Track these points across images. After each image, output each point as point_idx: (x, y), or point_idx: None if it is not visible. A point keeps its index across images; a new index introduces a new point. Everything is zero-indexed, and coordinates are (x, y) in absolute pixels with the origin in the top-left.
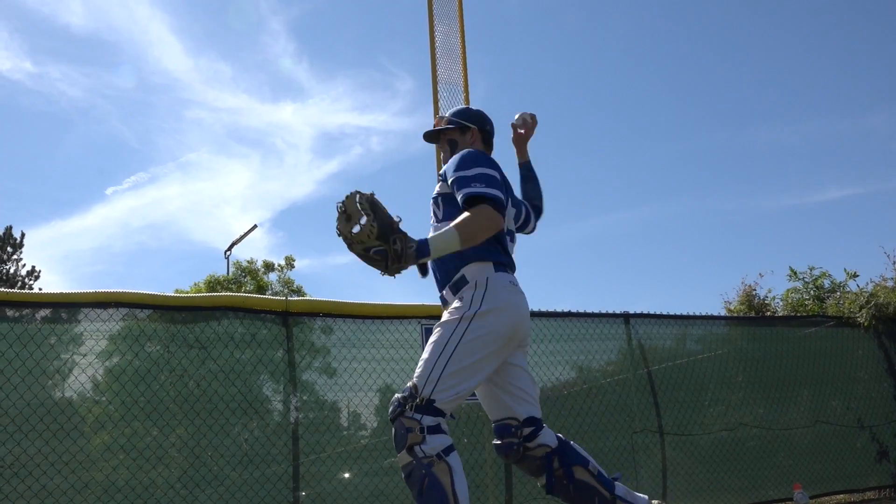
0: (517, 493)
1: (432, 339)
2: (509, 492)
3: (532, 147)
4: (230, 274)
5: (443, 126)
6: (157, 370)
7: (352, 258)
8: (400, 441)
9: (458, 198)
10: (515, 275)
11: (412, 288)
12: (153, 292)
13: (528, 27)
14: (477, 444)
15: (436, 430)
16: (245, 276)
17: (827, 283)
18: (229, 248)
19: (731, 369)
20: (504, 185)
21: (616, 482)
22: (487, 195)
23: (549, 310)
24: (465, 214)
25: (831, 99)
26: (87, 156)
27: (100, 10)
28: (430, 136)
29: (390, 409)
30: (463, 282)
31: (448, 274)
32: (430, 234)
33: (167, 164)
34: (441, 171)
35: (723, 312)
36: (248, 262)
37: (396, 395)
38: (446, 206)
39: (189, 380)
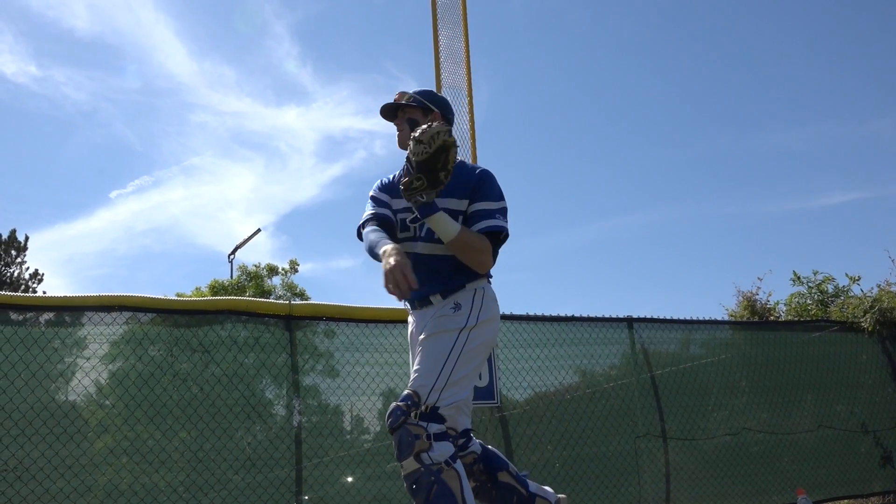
0: None
1: (430, 347)
2: None
3: (537, 151)
4: (234, 278)
5: (403, 102)
6: (160, 374)
7: (356, 262)
8: (406, 448)
9: (480, 224)
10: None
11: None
12: (157, 296)
13: (532, 31)
14: None
15: (442, 437)
16: (249, 281)
17: (831, 287)
18: (233, 252)
19: (734, 374)
20: None
21: (526, 479)
22: (501, 229)
23: (553, 314)
24: (478, 240)
25: (836, 103)
26: (92, 159)
27: (104, 13)
28: (387, 112)
29: (391, 419)
30: (461, 288)
31: (445, 281)
32: (443, 252)
33: (171, 168)
34: (461, 185)
35: (725, 318)
36: (255, 266)
37: (396, 404)
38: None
39: (192, 384)
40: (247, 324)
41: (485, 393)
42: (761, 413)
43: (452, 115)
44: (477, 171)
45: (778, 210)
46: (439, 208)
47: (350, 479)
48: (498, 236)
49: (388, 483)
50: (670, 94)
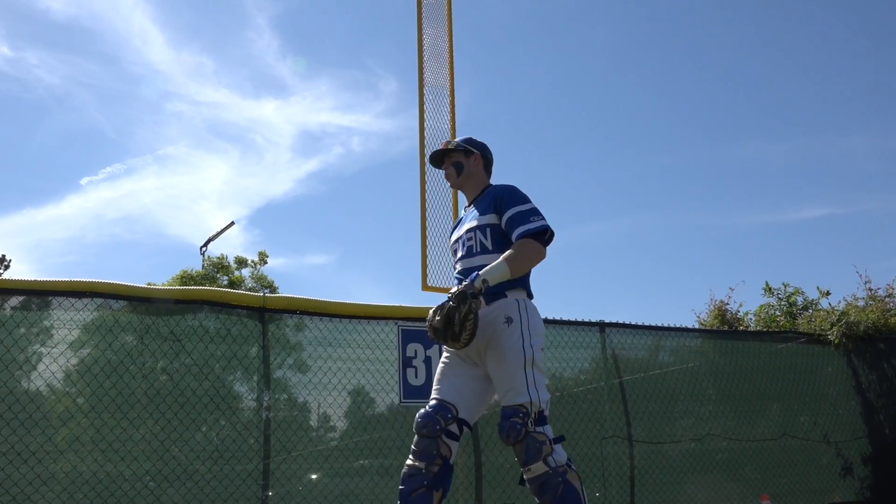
0: (486, 496)
1: (507, 364)
2: (479, 495)
3: (515, 154)
4: (204, 269)
5: (450, 148)
6: (129, 361)
7: (328, 259)
8: (535, 454)
9: (518, 231)
10: None
11: (388, 290)
12: (129, 283)
13: (515, 35)
14: None
15: (559, 440)
16: (217, 272)
17: (800, 300)
18: (205, 244)
19: (702, 382)
20: None
21: None
22: (540, 229)
23: None
24: (518, 248)
25: (812, 119)
26: (63, 144)
27: None
28: (435, 159)
29: (512, 434)
30: (502, 296)
31: (494, 285)
32: (480, 262)
33: (144, 157)
34: (486, 201)
35: (696, 326)
36: (218, 257)
37: (512, 420)
38: (497, 236)
39: (161, 373)
40: (220, 314)
41: None
42: (727, 421)
43: (491, 155)
44: (498, 187)
45: (752, 222)
46: (478, 284)
47: (315, 477)
48: (539, 234)
49: (354, 480)
50: (652, 102)
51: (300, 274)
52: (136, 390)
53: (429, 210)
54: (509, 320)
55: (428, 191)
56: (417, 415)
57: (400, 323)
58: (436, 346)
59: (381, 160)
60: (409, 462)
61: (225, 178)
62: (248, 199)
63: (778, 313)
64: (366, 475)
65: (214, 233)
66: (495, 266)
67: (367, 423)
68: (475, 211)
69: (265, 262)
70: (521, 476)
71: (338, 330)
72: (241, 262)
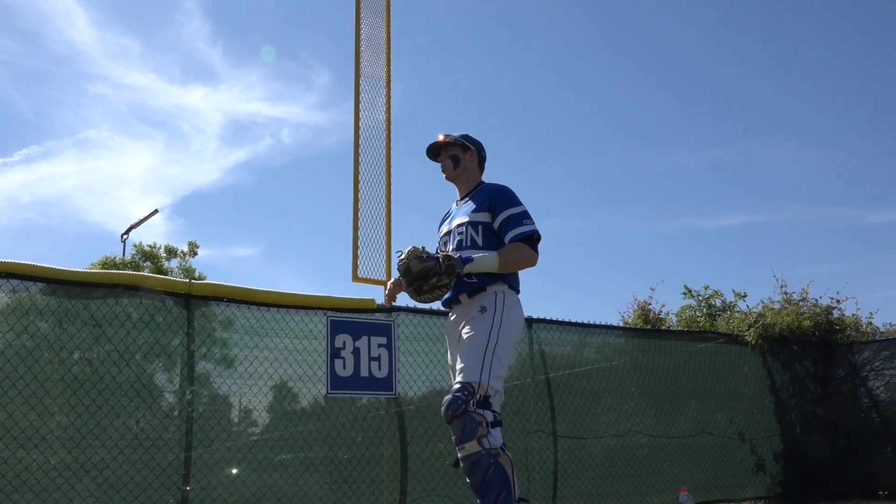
0: (412, 488)
1: (468, 346)
2: (404, 486)
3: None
4: (128, 256)
5: (448, 141)
6: (46, 345)
7: (255, 251)
8: (470, 433)
9: (511, 234)
10: None
11: (315, 283)
12: (49, 265)
13: (451, 33)
14: (374, 440)
15: (496, 424)
16: (145, 261)
17: (718, 302)
18: (127, 232)
19: (625, 379)
20: None
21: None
22: (532, 234)
23: None
24: (511, 249)
25: (736, 129)
26: None
27: None
28: (432, 152)
29: (451, 408)
30: (482, 290)
31: (468, 284)
32: (470, 254)
33: (64, 140)
34: (479, 198)
35: (620, 325)
36: (150, 246)
37: (455, 395)
38: (488, 234)
39: (80, 359)
40: (143, 300)
41: (383, 384)
42: (647, 418)
43: (485, 153)
44: (493, 186)
45: (675, 227)
46: (465, 264)
47: (235, 471)
48: (531, 239)
49: (274, 475)
50: (584, 105)
51: (225, 266)
52: (52, 375)
53: (361, 202)
54: (483, 309)
55: (361, 181)
56: (441, 405)
57: (329, 313)
58: (364, 338)
59: (311, 153)
60: (459, 455)
61: (149, 164)
62: (172, 187)
63: (698, 314)
64: (288, 469)
65: (137, 220)
66: (487, 258)
67: (292, 415)
68: (467, 206)
69: (195, 254)
70: (456, 457)
71: (265, 319)
72: (172, 252)
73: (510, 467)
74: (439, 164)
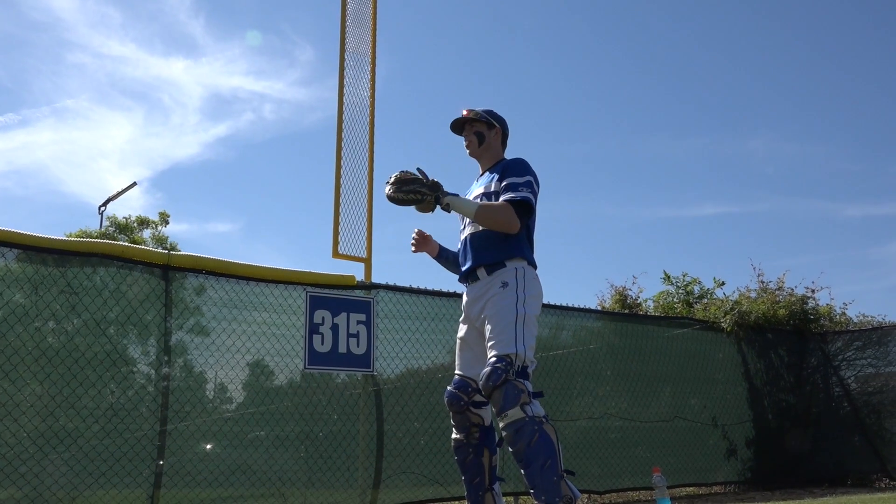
0: (386, 465)
1: (498, 320)
2: (379, 464)
3: (431, 133)
4: (103, 229)
5: (472, 117)
6: (21, 312)
7: (234, 227)
8: (513, 400)
9: (504, 196)
10: None
11: (294, 260)
12: (25, 232)
13: (433, 13)
14: (350, 417)
15: (538, 395)
16: (120, 233)
17: (696, 289)
18: (104, 204)
19: (600, 363)
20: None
21: (498, 482)
22: (524, 200)
23: (430, 288)
24: (496, 206)
25: (716, 119)
26: None
27: None
28: (457, 126)
29: (492, 378)
30: (501, 266)
31: (487, 257)
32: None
33: (41, 108)
34: (497, 171)
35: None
36: (124, 218)
37: (495, 366)
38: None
39: (56, 326)
40: (121, 269)
41: (361, 361)
42: (621, 402)
43: (508, 130)
44: (511, 159)
45: (653, 215)
46: (447, 200)
47: (209, 446)
48: (521, 205)
49: (248, 451)
50: (566, 88)
51: (203, 241)
52: (28, 342)
53: (343, 178)
54: (505, 284)
55: (344, 158)
56: (445, 394)
57: (309, 289)
58: (343, 315)
59: (293, 129)
60: (453, 436)
61: (128, 136)
62: (151, 160)
63: (676, 300)
64: (261, 446)
65: (114, 193)
66: (467, 201)
67: (269, 390)
68: (485, 179)
69: (166, 224)
70: (499, 437)
71: (244, 293)
72: (143, 223)
73: (555, 436)
74: (462, 139)
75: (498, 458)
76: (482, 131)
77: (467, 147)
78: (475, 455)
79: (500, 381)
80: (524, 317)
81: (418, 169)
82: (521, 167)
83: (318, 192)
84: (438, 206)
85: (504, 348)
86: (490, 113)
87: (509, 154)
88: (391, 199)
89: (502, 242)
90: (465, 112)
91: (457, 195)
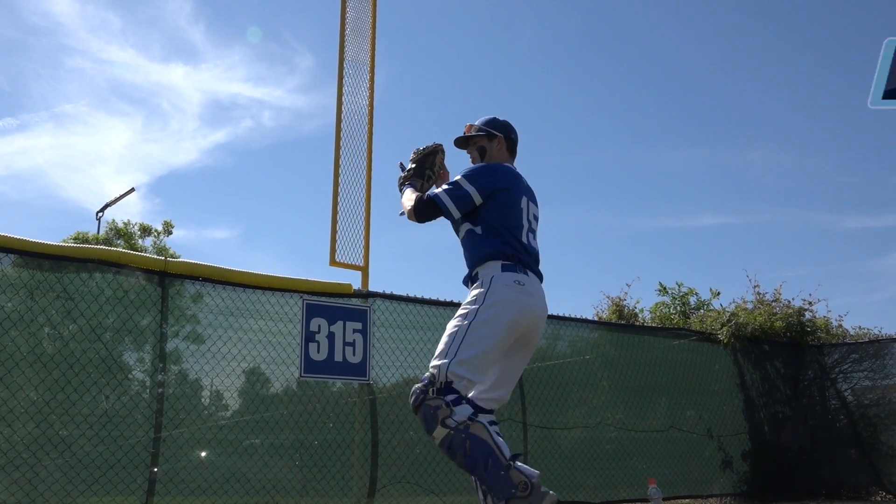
0: (381, 474)
1: (446, 332)
2: (374, 473)
3: (426, 142)
4: (102, 234)
5: (473, 133)
6: (17, 317)
7: (231, 233)
8: (432, 421)
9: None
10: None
11: (291, 268)
12: (22, 237)
13: (434, 20)
14: (345, 425)
15: (458, 402)
16: (118, 238)
17: (693, 300)
18: (102, 210)
19: (597, 373)
20: (510, 187)
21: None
22: (434, 197)
23: (427, 297)
24: (407, 194)
25: (715, 131)
26: None
27: None
28: (460, 143)
29: (412, 399)
30: (476, 278)
31: (469, 268)
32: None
33: (40, 113)
34: None
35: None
36: (124, 223)
37: (416, 386)
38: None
39: (52, 331)
40: (118, 275)
41: (357, 370)
42: (618, 413)
43: (515, 133)
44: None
45: (651, 226)
46: (405, 190)
47: (204, 454)
48: (430, 197)
49: (243, 459)
50: (566, 97)
51: (200, 248)
52: (23, 346)
53: (341, 186)
54: (474, 296)
55: (342, 166)
56: None
57: (305, 297)
58: (340, 323)
59: (291, 136)
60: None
61: (126, 142)
62: (149, 165)
63: (672, 311)
64: (255, 454)
65: (112, 198)
66: (407, 194)
67: (264, 398)
68: None
69: (170, 233)
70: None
71: (241, 300)
72: (146, 231)
73: (485, 432)
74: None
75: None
76: (483, 145)
77: (473, 163)
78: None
79: (416, 404)
80: (467, 327)
81: (400, 164)
82: (473, 168)
83: (316, 200)
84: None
85: (431, 363)
86: (490, 123)
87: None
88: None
89: (473, 247)
90: (465, 129)
91: (411, 186)
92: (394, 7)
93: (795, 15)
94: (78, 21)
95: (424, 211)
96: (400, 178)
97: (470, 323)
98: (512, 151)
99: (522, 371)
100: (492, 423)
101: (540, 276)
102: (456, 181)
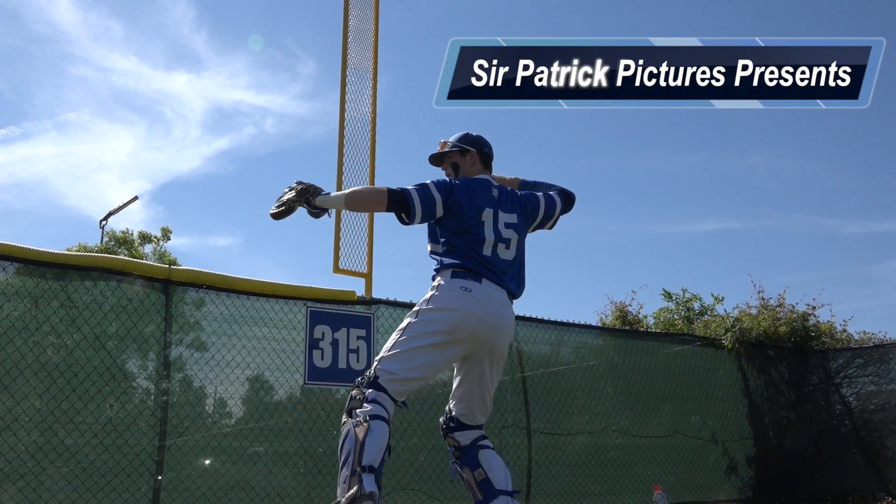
0: (385, 482)
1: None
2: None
3: (428, 149)
4: (103, 244)
5: (446, 150)
6: (21, 325)
7: (234, 241)
8: (346, 410)
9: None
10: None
11: (295, 275)
12: (25, 245)
13: (435, 26)
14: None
15: (374, 401)
16: (119, 247)
17: (697, 305)
18: (105, 218)
19: (601, 379)
20: (464, 200)
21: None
22: (400, 191)
23: None
24: (367, 188)
25: (718, 135)
26: None
27: None
28: (434, 160)
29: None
30: (434, 290)
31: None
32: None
33: (43, 121)
34: None
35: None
36: (122, 232)
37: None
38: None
39: (56, 340)
40: (121, 284)
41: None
42: (622, 418)
43: (489, 147)
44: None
45: (654, 231)
46: (316, 201)
47: (208, 462)
48: (397, 191)
49: (247, 466)
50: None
51: (203, 255)
52: (27, 354)
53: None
54: (420, 301)
55: (345, 174)
56: None
57: (309, 304)
58: (343, 330)
59: (294, 143)
60: None
61: (129, 150)
62: (152, 173)
63: (676, 317)
64: (259, 461)
65: (116, 206)
66: (336, 194)
67: (268, 405)
68: None
69: (168, 239)
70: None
71: (245, 308)
72: (146, 238)
73: (364, 431)
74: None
75: (497, 473)
76: (457, 161)
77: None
78: (462, 474)
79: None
80: (405, 327)
81: (296, 182)
82: (435, 179)
83: None
84: (310, 207)
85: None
86: (462, 139)
87: (498, 169)
88: (272, 216)
89: (434, 261)
90: (439, 146)
91: (328, 194)
92: (396, 14)
93: (796, 18)
94: (81, 29)
95: (395, 202)
96: (295, 191)
97: (409, 323)
98: (487, 165)
99: (493, 387)
100: (479, 438)
101: (511, 288)
102: (424, 184)
